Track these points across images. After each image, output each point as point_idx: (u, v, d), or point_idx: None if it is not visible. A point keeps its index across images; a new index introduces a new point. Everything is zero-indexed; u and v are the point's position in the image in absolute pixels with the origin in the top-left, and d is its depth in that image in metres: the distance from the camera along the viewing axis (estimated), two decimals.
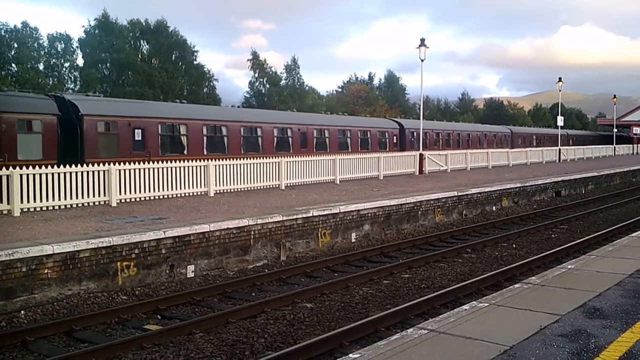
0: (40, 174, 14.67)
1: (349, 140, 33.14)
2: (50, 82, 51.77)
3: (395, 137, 37.28)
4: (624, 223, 18.23)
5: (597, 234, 16.34)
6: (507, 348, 5.40)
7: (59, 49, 54.76)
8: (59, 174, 15.01)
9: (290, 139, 28.90)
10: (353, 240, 16.01)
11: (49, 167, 14.99)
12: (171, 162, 18.42)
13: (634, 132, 71.40)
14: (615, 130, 70.70)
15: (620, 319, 6.29)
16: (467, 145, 44.18)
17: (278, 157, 21.80)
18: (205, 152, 23.70)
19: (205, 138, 24.43)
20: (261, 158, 21.09)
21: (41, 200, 14.68)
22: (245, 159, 20.51)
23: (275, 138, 27.96)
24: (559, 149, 46.35)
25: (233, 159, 19.91)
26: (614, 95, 71.33)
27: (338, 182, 23.30)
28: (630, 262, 9.23)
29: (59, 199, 15.03)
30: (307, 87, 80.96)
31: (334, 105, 72.43)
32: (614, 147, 61.87)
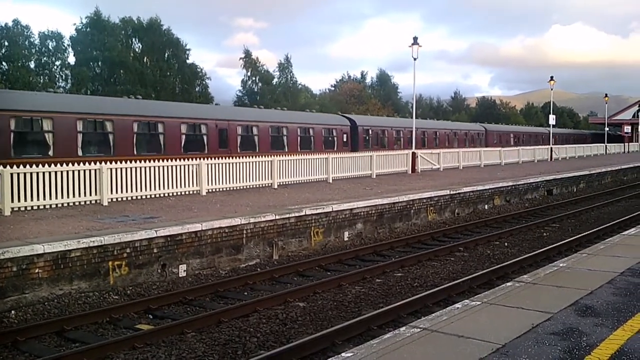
0: (32, 173, 14.58)
1: (285, 138, 29.01)
2: (41, 81, 51.52)
3: (345, 136, 33.13)
4: (615, 221, 18.31)
5: (588, 232, 16.39)
6: (500, 346, 5.41)
7: (50, 47, 54.52)
8: (49, 172, 14.92)
9: (205, 137, 24.76)
10: (346, 239, 16.01)
11: (40, 166, 14.89)
12: (30, 166, 14.91)
13: (625, 130, 71.74)
14: (607, 128, 71.04)
15: (612, 317, 6.32)
16: (434, 144, 40.87)
17: (190, 158, 19.26)
18: (80, 154, 19.63)
19: (80, 136, 20.05)
20: (164, 160, 18.19)
21: (32, 200, 14.59)
22: (137, 161, 17.47)
23: (183, 136, 24.02)
24: (551, 148, 46.52)
25: (121, 162, 17.04)
26: (606, 94, 71.71)
27: (331, 181, 23.29)
28: (622, 260, 9.26)
29: (50, 198, 14.94)
30: (300, 86, 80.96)
31: (327, 103, 72.47)
32: (606, 146, 62.18)
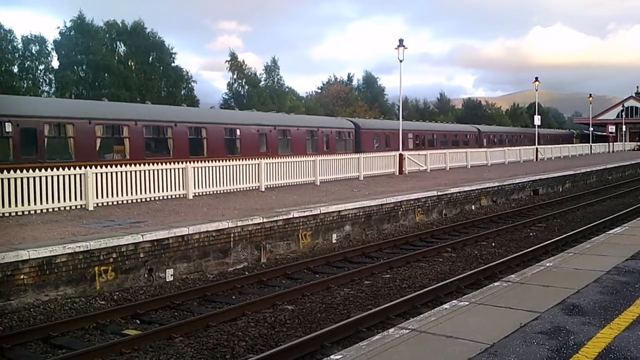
0: (15, 178, 14.41)
1: None
2: (25, 85, 50.99)
3: None
4: (601, 220, 18.45)
5: (574, 231, 16.50)
6: (488, 346, 5.42)
7: (33, 51, 53.94)
8: (34, 177, 14.77)
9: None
10: (334, 241, 15.99)
11: (24, 171, 14.74)
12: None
13: (610, 130, 72.53)
14: (591, 128, 71.79)
15: (599, 316, 6.35)
16: (253, 147, 27.11)
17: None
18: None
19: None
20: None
21: (16, 205, 14.42)
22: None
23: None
24: (536, 148, 46.86)
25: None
26: (590, 95, 72.44)
27: (318, 183, 23.27)
28: (608, 259, 9.33)
29: (35, 204, 14.78)
30: (286, 89, 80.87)
31: (313, 106, 72.44)
32: (590, 146, 62.82)
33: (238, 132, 27.06)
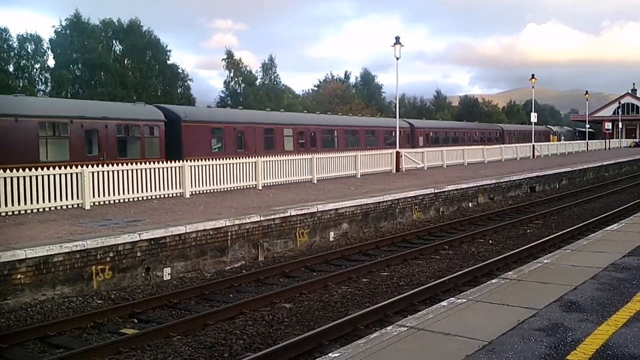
0: (12, 177, 14.38)
1: None
2: (21, 84, 50.83)
3: None
4: (598, 217, 18.48)
5: (571, 228, 16.53)
6: (486, 343, 5.42)
7: (29, 50, 53.76)
8: (30, 177, 14.73)
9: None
10: (331, 239, 15.99)
11: (20, 170, 14.70)
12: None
13: (606, 127, 72.64)
14: (587, 125, 71.95)
15: (596, 312, 6.36)
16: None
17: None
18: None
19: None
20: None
21: (12, 205, 14.39)
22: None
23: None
24: (533, 145, 46.90)
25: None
26: (586, 92, 72.58)
27: (315, 182, 23.26)
28: (605, 256, 9.34)
29: (31, 203, 14.74)
30: (283, 87, 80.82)
31: (310, 104, 72.39)
32: (587, 143, 62.95)
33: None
